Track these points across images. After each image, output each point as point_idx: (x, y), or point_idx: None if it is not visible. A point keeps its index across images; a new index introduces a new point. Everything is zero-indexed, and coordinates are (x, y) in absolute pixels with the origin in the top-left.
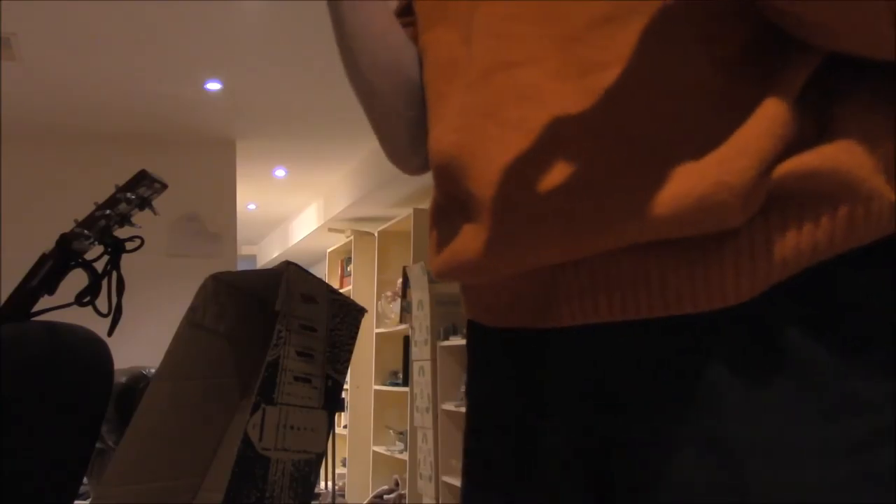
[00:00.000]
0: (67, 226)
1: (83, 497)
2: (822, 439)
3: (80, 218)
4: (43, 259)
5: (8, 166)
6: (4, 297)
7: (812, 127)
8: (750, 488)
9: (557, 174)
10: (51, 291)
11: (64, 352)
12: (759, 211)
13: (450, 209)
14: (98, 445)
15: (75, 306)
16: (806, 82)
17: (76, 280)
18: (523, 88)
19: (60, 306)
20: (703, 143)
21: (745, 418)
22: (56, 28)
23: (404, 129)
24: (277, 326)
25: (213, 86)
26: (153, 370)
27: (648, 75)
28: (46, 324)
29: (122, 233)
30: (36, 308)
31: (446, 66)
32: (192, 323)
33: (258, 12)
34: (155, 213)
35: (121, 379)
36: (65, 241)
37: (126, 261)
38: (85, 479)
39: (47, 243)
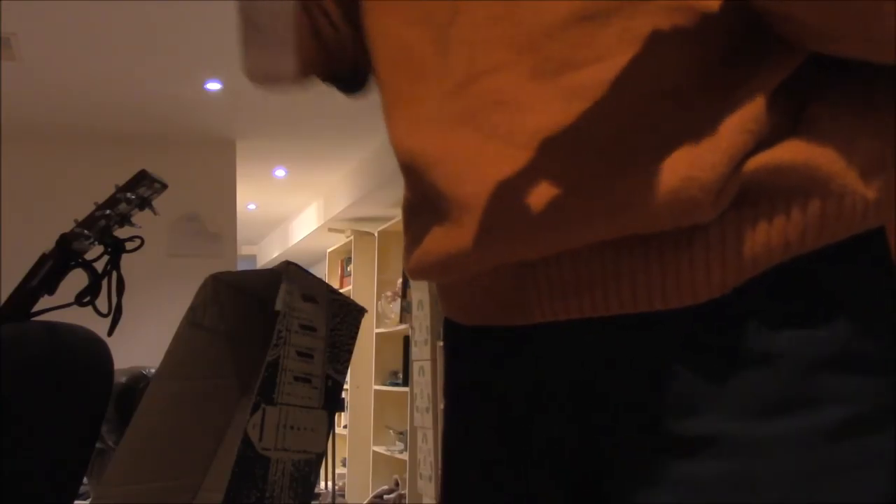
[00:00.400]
0: (67, 226)
1: (83, 497)
2: (790, 433)
3: (80, 218)
4: (43, 259)
5: (8, 166)
6: (4, 297)
7: (787, 123)
8: (716, 484)
9: (534, 175)
10: (51, 291)
11: (64, 352)
12: (730, 206)
13: (421, 209)
14: (98, 445)
15: (75, 306)
16: (783, 80)
17: (76, 280)
18: (500, 94)
19: (60, 306)
20: (676, 139)
21: (715, 414)
22: (56, 28)
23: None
24: (277, 326)
25: (213, 86)
26: (153, 370)
27: (626, 75)
28: (46, 324)
29: (122, 233)
30: (36, 308)
31: (408, 64)
32: (192, 323)
33: None
34: (155, 213)
35: (121, 379)
36: (65, 241)
37: (126, 261)
38: (85, 479)
39: (47, 243)
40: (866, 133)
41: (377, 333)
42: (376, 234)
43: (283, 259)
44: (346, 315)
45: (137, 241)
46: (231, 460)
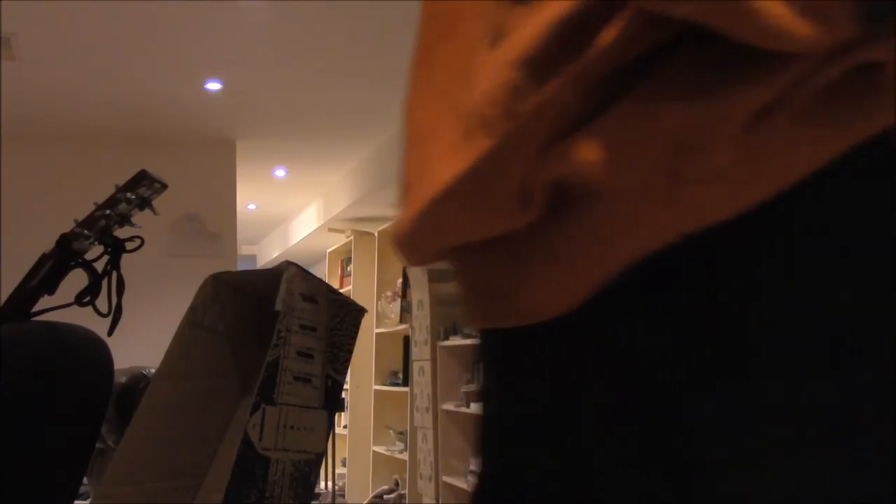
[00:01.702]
0: (67, 226)
1: (83, 497)
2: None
3: (80, 218)
4: (43, 259)
5: (8, 166)
6: (4, 297)
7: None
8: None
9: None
10: (51, 291)
11: (64, 352)
12: (551, 209)
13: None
14: (98, 445)
15: (75, 306)
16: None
17: (76, 280)
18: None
19: (60, 306)
20: None
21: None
22: (56, 28)
23: None
24: (277, 326)
25: (213, 86)
26: (153, 370)
27: None
28: (46, 324)
29: (122, 233)
30: (36, 308)
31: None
32: (192, 323)
33: (258, 12)
34: (155, 213)
35: (121, 379)
36: (65, 241)
37: (126, 261)
38: (85, 479)
39: (47, 243)
40: (656, 127)
41: (377, 333)
42: (376, 234)
43: (283, 259)
44: (346, 315)
45: (137, 241)
46: (231, 460)
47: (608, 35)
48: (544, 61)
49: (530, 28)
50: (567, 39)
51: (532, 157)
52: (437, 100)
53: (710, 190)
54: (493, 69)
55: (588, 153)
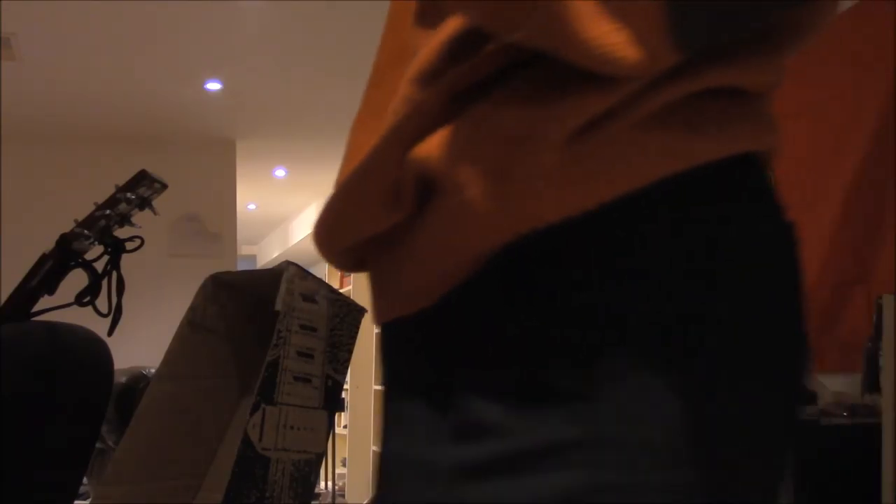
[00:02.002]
0: (67, 226)
1: (83, 497)
2: (446, 461)
3: (80, 218)
4: (43, 259)
5: (8, 166)
6: (4, 297)
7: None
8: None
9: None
10: (51, 291)
11: (64, 352)
12: (417, 207)
13: None
14: (98, 445)
15: (75, 306)
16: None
17: (76, 280)
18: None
19: (60, 306)
20: None
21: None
22: (56, 28)
23: None
24: (277, 326)
25: (213, 86)
26: (153, 370)
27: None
28: (46, 324)
29: (122, 233)
30: (36, 308)
31: None
32: (192, 323)
33: (258, 12)
34: (155, 213)
35: (121, 379)
36: (65, 241)
37: (126, 261)
38: (85, 479)
39: (47, 243)
40: (495, 130)
41: (377, 333)
42: None
43: (283, 259)
44: (346, 315)
45: (137, 241)
46: (231, 460)
47: (478, 53)
48: (429, 76)
49: (426, 49)
50: (447, 57)
51: (400, 158)
52: (376, 119)
53: (537, 190)
54: (401, 86)
55: (431, 149)
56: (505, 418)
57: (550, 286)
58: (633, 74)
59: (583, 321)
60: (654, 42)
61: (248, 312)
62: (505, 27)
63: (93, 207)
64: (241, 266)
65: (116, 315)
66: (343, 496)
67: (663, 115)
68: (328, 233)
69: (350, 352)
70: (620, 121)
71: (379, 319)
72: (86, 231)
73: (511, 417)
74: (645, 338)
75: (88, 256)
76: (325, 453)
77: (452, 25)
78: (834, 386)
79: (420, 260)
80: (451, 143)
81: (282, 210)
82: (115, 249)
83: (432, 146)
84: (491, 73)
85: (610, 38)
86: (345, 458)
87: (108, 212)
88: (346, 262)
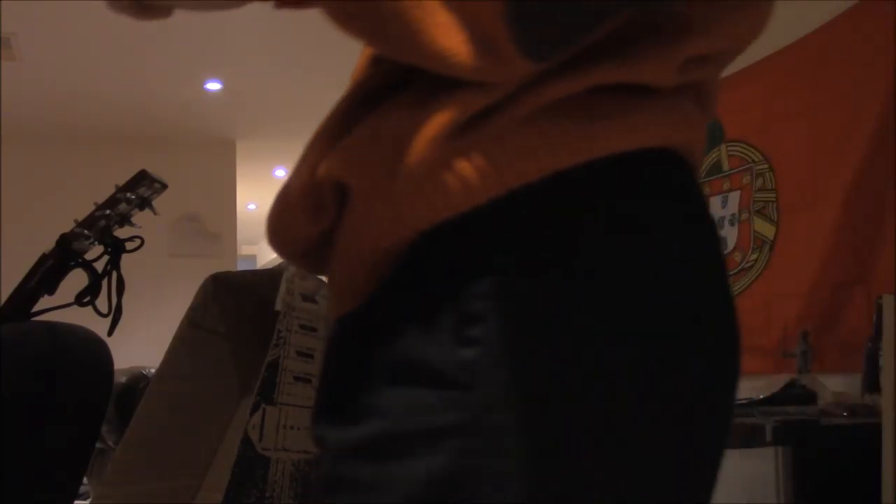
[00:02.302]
0: (67, 226)
1: (83, 497)
2: (334, 441)
3: (80, 218)
4: (43, 259)
5: (8, 166)
6: (4, 297)
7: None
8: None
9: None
10: (51, 291)
11: (64, 352)
12: (338, 214)
13: None
14: (98, 445)
15: (75, 306)
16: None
17: (76, 280)
18: None
19: (60, 306)
20: None
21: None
22: (56, 28)
23: None
24: (277, 326)
25: (213, 86)
26: (153, 370)
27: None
28: (46, 324)
29: (122, 233)
30: (36, 308)
31: None
32: (192, 323)
33: (258, 12)
34: (155, 213)
35: (121, 379)
36: (65, 241)
37: (126, 261)
38: (85, 479)
39: (47, 243)
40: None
41: None
42: None
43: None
44: None
45: (137, 241)
46: (231, 460)
47: (377, 66)
48: (356, 85)
49: (360, 58)
50: (371, 66)
51: (316, 165)
52: None
53: (425, 189)
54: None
55: (334, 158)
56: (385, 401)
57: (438, 279)
58: (494, 80)
59: (463, 313)
60: (503, 52)
61: (248, 312)
62: (370, 40)
63: (93, 207)
64: (241, 266)
65: (116, 315)
66: None
67: (553, 110)
68: (273, 240)
69: None
70: (505, 117)
71: (331, 320)
72: (86, 231)
73: (390, 401)
74: (522, 332)
75: (88, 256)
76: None
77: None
78: (834, 386)
79: (340, 263)
80: (348, 150)
81: None
82: (115, 249)
83: (335, 154)
84: (394, 80)
85: (460, 49)
86: None
87: (108, 212)
88: (307, 264)
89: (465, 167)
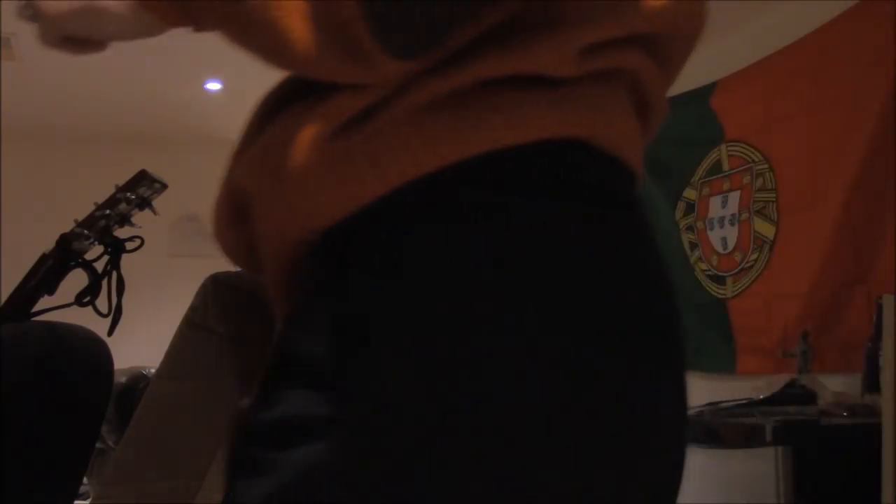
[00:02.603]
0: (67, 226)
1: (83, 497)
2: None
3: (80, 218)
4: (43, 259)
5: (8, 166)
6: (4, 297)
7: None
8: None
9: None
10: (51, 291)
11: (64, 352)
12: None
13: None
14: (98, 445)
15: (75, 306)
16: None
17: (76, 280)
18: None
19: (60, 306)
20: None
21: None
22: None
23: None
24: (278, 326)
25: (213, 86)
26: (153, 370)
27: None
28: (46, 324)
29: (122, 233)
30: (36, 308)
31: None
32: (192, 323)
33: None
34: (155, 213)
35: (121, 379)
36: (65, 241)
37: (126, 261)
38: (85, 479)
39: (47, 243)
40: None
41: None
42: None
43: None
44: None
45: (137, 241)
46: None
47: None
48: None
49: None
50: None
51: (230, 175)
52: None
53: (307, 189)
54: None
55: (240, 164)
56: (279, 394)
57: (322, 279)
58: (366, 81)
59: (336, 314)
60: (369, 53)
61: (248, 312)
62: (258, 57)
63: (93, 207)
64: None
65: (116, 315)
66: None
67: (440, 106)
68: (218, 247)
69: None
70: (384, 116)
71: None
72: (86, 231)
73: (282, 394)
74: (394, 331)
75: (88, 256)
76: None
77: None
78: (834, 386)
79: (265, 267)
80: (248, 158)
81: None
82: (115, 249)
83: (240, 163)
84: (299, 88)
85: (327, 55)
86: None
87: (108, 212)
88: (248, 268)
89: (344, 168)
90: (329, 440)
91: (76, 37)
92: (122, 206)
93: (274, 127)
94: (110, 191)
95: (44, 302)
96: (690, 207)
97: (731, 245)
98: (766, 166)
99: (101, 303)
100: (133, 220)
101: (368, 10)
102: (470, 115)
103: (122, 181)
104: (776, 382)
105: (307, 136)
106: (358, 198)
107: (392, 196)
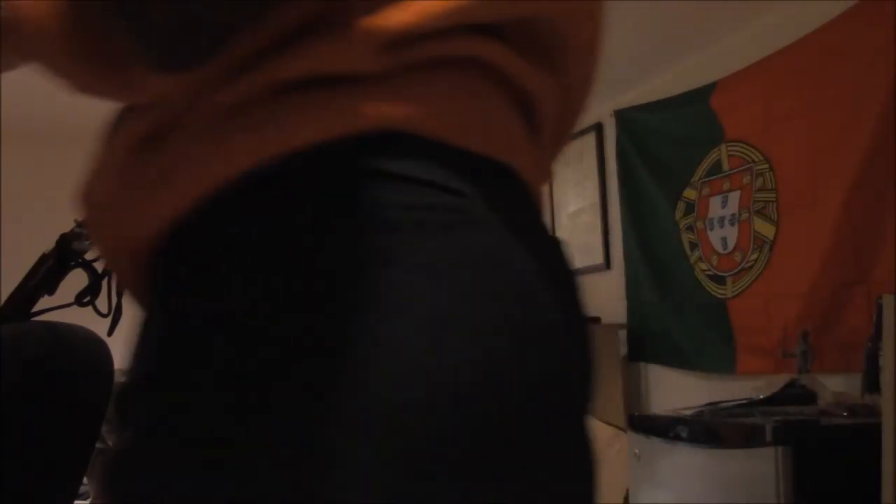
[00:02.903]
0: (67, 226)
1: (83, 497)
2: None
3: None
4: (43, 259)
5: (8, 166)
6: (4, 297)
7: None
8: None
9: None
10: (51, 291)
11: (64, 352)
12: None
13: None
14: (98, 445)
15: (75, 306)
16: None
17: (76, 280)
18: None
19: (60, 306)
20: None
21: None
22: None
23: None
24: None
25: None
26: None
27: None
28: (46, 324)
29: None
30: (36, 308)
31: None
32: None
33: None
34: None
35: (121, 379)
36: (65, 241)
37: None
38: (85, 479)
39: (47, 243)
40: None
41: None
42: None
43: None
44: None
45: None
46: None
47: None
48: None
49: None
50: None
51: None
52: None
53: (126, 202)
54: None
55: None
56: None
57: (154, 291)
58: (147, 99)
59: (142, 323)
60: (136, 70)
61: None
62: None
63: None
64: None
65: (116, 315)
66: None
67: (239, 114)
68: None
69: None
70: (182, 131)
71: None
72: (86, 231)
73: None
74: (179, 346)
75: (88, 256)
76: None
77: None
78: (834, 386)
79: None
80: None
81: None
82: None
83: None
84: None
85: (96, 77)
86: None
87: None
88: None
89: (158, 181)
90: (135, 434)
91: None
92: None
93: (107, 145)
94: None
95: (44, 302)
96: (690, 207)
97: (731, 245)
98: (766, 166)
99: (101, 303)
100: None
101: (124, 22)
102: (264, 120)
103: None
104: (776, 382)
105: (112, 160)
106: (161, 216)
107: (197, 206)
